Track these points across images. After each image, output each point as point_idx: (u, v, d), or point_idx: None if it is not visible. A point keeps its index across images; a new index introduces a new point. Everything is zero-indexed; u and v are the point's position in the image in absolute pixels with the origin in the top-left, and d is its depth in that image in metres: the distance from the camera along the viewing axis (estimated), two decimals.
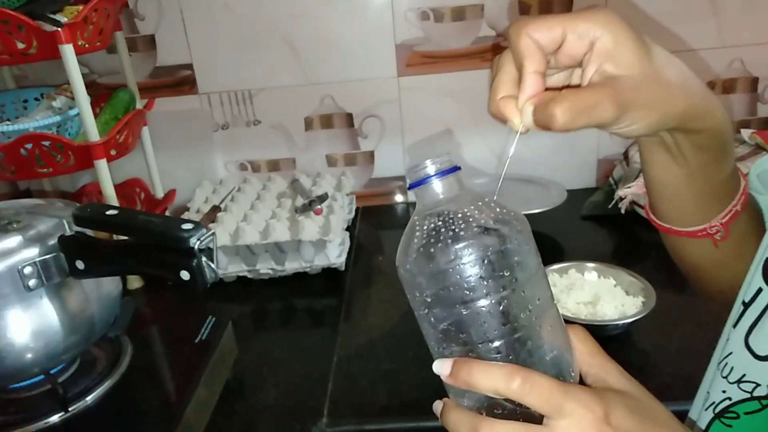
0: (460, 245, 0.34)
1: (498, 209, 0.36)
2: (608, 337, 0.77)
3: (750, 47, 1.14)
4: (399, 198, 1.27)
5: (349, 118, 1.21)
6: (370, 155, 1.25)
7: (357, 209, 1.21)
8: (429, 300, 0.36)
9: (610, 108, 0.34)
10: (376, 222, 1.21)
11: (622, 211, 1.03)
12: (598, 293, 0.80)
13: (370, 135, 1.23)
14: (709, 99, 0.39)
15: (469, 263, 0.34)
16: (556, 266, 0.87)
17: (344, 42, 1.15)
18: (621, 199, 1.04)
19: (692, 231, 0.48)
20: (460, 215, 0.35)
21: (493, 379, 0.33)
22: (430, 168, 0.37)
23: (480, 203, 0.36)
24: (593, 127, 0.36)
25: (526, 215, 1.02)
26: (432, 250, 0.35)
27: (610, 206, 1.08)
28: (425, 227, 0.36)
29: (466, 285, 0.34)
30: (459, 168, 0.37)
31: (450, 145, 1.22)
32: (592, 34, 0.35)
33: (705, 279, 0.54)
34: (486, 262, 0.34)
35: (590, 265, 0.86)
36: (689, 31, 1.13)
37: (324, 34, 1.15)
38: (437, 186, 0.37)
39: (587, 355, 0.36)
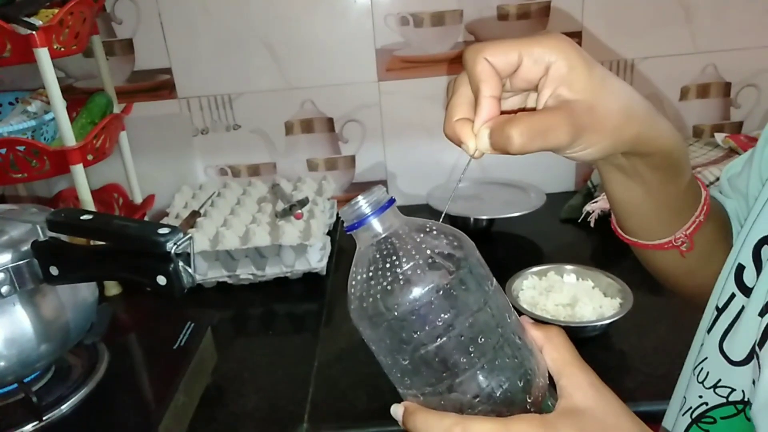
0: (393, 300, 0.33)
1: (439, 240, 0.35)
2: (586, 338, 0.78)
3: (723, 53, 1.17)
4: None
5: (330, 122, 1.21)
6: (351, 160, 1.25)
7: (338, 214, 1.20)
8: (375, 348, 0.36)
9: (566, 131, 0.34)
10: None
11: (592, 225, 1.06)
12: (576, 295, 0.81)
13: (351, 139, 1.23)
14: (659, 122, 0.40)
15: (404, 317, 0.33)
16: (535, 269, 0.87)
17: (325, 46, 1.15)
18: (589, 213, 1.07)
19: (658, 244, 0.49)
20: (392, 261, 0.34)
21: (433, 430, 0.33)
22: (365, 207, 0.35)
23: (420, 236, 0.35)
24: (548, 150, 0.36)
25: (506, 219, 1.02)
26: (364, 304, 0.34)
27: (579, 220, 1.10)
28: (359, 277, 0.35)
29: (401, 337, 0.33)
30: (394, 200, 0.36)
31: (429, 147, 1.22)
32: (547, 59, 0.35)
33: (675, 286, 0.55)
34: (422, 312, 0.33)
35: (569, 267, 0.87)
36: (664, 36, 1.15)
37: (304, 38, 1.15)
38: (376, 225, 0.35)
39: (560, 364, 0.36)
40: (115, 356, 0.70)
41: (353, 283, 0.35)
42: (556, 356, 0.36)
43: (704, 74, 1.19)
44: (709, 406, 0.44)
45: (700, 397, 0.44)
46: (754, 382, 0.39)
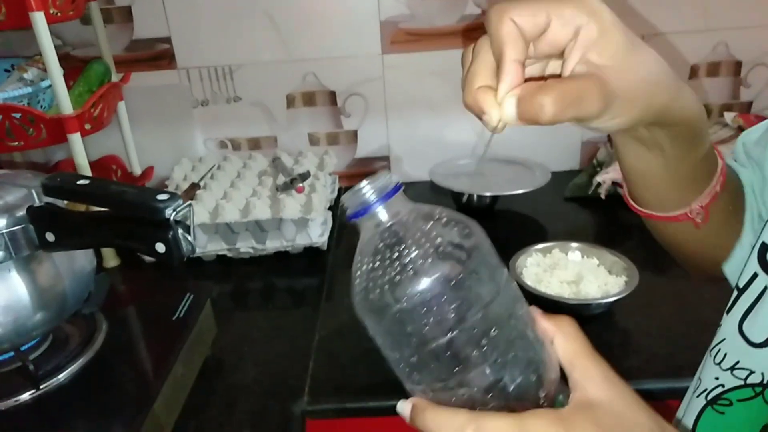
0: (403, 290, 0.31)
1: (449, 228, 0.33)
2: (591, 316, 0.77)
3: (734, 30, 1.14)
4: None
5: (332, 96, 1.19)
6: (354, 134, 1.23)
7: (340, 189, 1.19)
8: (381, 342, 0.34)
9: (597, 99, 0.32)
10: None
11: (603, 196, 1.05)
12: (581, 273, 0.80)
13: (354, 114, 1.21)
14: (684, 91, 0.38)
15: (413, 308, 0.31)
16: (539, 246, 0.86)
17: (327, 18, 1.13)
18: (600, 184, 1.05)
19: (673, 215, 0.47)
20: (401, 250, 0.32)
21: (445, 429, 0.31)
22: (370, 193, 0.32)
23: (429, 224, 0.33)
24: (577, 121, 0.33)
25: (510, 196, 1.01)
26: (371, 296, 0.32)
27: (590, 191, 1.08)
28: (365, 267, 0.33)
29: (411, 329, 0.32)
30: (402, 186, 0.34)
31: (433, 123, 1.20)
32: (578, 21, 0.32)
33: (687, 257, 0.54)
34: (432, 303, 0.31)
35: (574, 245, 0.86)
36: (674, 13, 1.12)
37: (307, 8, 1.12)
38: (381, 213, 0.33)
39: (572, 355, 0.34)
40: (114, 326, 0.69)
41: (358, 273, 0.33)
42: (567, 347, 0.35)
43: (715, 52, 1.16)
44: (725, 388, 0.42)
45: (716, 378, 0.43)
46: None
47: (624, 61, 0.33)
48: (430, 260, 0.31)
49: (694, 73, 1.18)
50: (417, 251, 0.31)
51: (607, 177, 1.05)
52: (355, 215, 0.33)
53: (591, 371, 0.34)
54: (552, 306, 0.76)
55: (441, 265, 0.31)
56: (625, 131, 0.40)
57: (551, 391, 0.34)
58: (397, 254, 0.31)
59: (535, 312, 0.36)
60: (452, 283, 0.31)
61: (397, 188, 0.33)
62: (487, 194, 1.06)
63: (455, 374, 0.32)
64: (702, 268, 0.54)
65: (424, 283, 0.31)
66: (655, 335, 0.75)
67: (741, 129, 1.05)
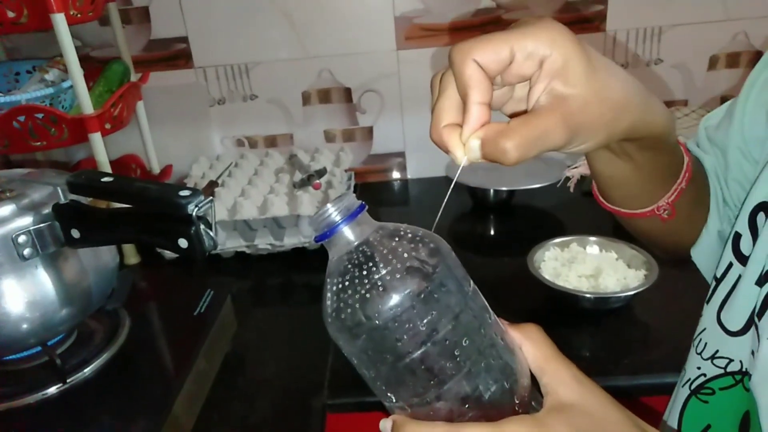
0: (373, 308, 0.31)
1: (415, 244, 0.33)
2: (610, 310, 0.77)
3: (755, 20, 1.12)
4: (397, 174, 1.26)
5: (348, 92, 1.20)
6: (369, 131, 1.23)
7: (356, 185, 1.19)
8: (356, 361, 0.34)
9: (561, 133, 0.32)
10: (375, 198, 1.20)
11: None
12: (600, 266, 0.80)
13: (369, 110, 1.21)
14: (652, 107, 0.38)
15: (385, 325, 0.31)
16: (557, 240, 0.86)
17: (342, 14, 1.13)
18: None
19: (640, 212, 0.48)
20: (369, 268, 0.32)
21: None
22: (335, 214, 0.33)
23: (395, 241, 0.33)
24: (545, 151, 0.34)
25: (527, 190, 1.02)
26: (342, 315, 0.32)
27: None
28: (335, 288, 0.33)
29: (384, 346, 0.32)
30: (365, 206, 0.34)
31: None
32: (541, 53, 0.32)
33: (655, 244, 0.56)
34: (403, 318, 0.31)
35: (592, 239, 0.86)
36: (693, 4, 1.11)
37: (322, 6, 1.12)
38: (347, 233, 0.33)
39: (541, 361, 0.35)
40: (136, 322, 0.70)
41: (328, 295, 0.33)
42: (536, 354, 0.35)
43: (735, 42, 1.15)
44: (707, 378, 0.43)
45: (699, 368, 0.44)
46: (753, 353, 0.38)
47: (589, 88, 0.33)
48: (398, 276, 0.32)
49: (713, 64, 1.17)
50: (385, 268, 0.32)
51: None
52: (322, 237, 0.33)
53: (561, 374, 0.34)
54: (571, 300, 0.76)
55: (409, 279, 0.32)
56: None
57: (524, 398, 0.34)
58: (366, 272, 0.32)
59: (503, 322, 0.36)
60: (421, 296, 0.31)
61: (361, 208, 0.34)
62: (504, 189, 1.06)
63: (431, 387, 0.32)
64: (671, 253, 0.56)
65: (394, 298, 0.31)
66: (675, 329, 0.74)
67: None
